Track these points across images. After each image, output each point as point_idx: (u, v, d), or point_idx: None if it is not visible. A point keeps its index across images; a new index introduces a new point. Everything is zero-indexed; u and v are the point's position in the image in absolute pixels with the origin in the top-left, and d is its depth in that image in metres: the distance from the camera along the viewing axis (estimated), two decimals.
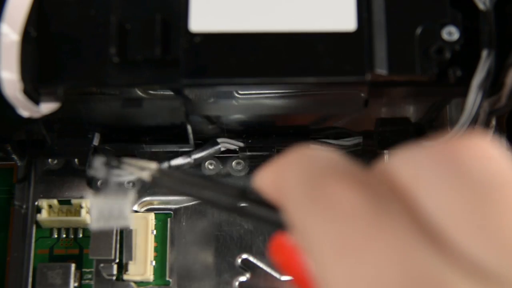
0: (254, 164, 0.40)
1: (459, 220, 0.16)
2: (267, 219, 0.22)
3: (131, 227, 0.25)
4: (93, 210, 0.24)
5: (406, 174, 0.18)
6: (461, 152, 0.17)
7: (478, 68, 0.29)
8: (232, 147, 0.36)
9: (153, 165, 0.25)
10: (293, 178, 0.19)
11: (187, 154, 0.34)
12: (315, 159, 0.19)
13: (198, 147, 0.37)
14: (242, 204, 0.22)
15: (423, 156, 0.18)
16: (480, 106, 0.31)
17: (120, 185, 0.25)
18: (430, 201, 0.17)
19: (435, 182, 0.17)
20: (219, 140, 0.36)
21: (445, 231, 0.16)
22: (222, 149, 0.36)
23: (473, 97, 0.30)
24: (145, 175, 0.24)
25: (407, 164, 0.18)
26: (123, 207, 0.24)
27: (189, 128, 0.35)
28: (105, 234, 0.38)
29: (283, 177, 0.20)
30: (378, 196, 0.17)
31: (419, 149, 0.18)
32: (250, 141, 0.35)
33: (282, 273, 0.20)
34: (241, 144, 0.35)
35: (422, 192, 0.17)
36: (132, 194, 0.24)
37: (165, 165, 0.32)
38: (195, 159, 0.34)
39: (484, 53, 0.29)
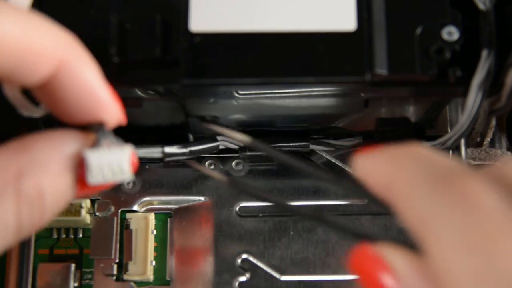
0: (254, 164, 0.40)
1: None
2: (351, 230, 0.22)
3: (130, 179, 0.24)
4: (91, 164, 0.23)
5: None
6: None
7: (478, 68, 0.29)
8: (231, 145, 0.36)
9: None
10: (412, 170, 0.19)
11: (184, 144, 0.33)
12: (433, 158, 0.20)
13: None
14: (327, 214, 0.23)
15: None
16: (480, 106, 0.31)
17: (116, 138, 0.24)
18: None
19: None
20: (218, 137, 0.35)
21: None
22: (221, 147, 0.36)
23: (473, 97, 0.30)
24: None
25: None
26: (121, 161, 0.24)
27: (189, 128, 0.35)
28: (105, 234, 0.38)
29: (400, 173, 0.20)
30: (509, 201, 0.18)
31: None
32: (250, 140, 0.35)
33: (361, 286, 0.20)
34: (241, 144, 0.35)
35: None
36: (129, 148, 0.24)
37: (158, 150, 0.32)
38: (191, 151, 0.34)
39: (484, 53, 0.29)
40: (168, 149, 0.32)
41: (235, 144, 0.36)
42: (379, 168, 0.21)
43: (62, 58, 0.23)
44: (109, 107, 0.24)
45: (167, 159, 0.34)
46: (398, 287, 0.20)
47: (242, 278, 0.38)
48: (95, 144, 0.24)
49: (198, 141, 0.35)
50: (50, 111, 0.25)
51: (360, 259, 0.21)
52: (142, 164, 0.40)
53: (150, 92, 0.31)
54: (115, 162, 0.24)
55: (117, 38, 0.29)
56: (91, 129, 0.24)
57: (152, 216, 0.39)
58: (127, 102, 0.32)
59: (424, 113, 0.36)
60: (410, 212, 0.20)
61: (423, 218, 0.19)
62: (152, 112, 0.33)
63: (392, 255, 0.20)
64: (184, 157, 0.34)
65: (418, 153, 0.21)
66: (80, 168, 0.24)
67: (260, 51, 0.29)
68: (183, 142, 0.34)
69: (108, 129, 0.24)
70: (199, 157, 0.40)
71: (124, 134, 0.36)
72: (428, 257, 0.19)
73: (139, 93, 0.31)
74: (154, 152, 0.31)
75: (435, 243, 0.18)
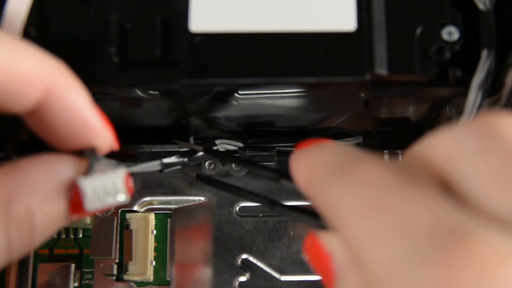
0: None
1: (488, 180, 0.18)
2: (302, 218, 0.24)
3: (127, 200, 0.24)
4: (86, 191, 0.24)
5: (441, 148, 0.19)
6: (498, 125, 0.18)
7: (478, 68, 0.29)
8: (231, 147, 0.36)
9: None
10: (322, 165, 0.21)
11: (183, 155, 0.34)
12: (341, 150, 0.21)
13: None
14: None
15: (460, 130, 0.19)
16: (480, 106, 0.31)
17: (108, 162, 0.24)
18: (463, 167, 0.18)
19: (472, 150, 0.18)
20: (217, 141, 0.35)
21: (474, 192, 0.18)
22: (221, 149, 0.36)
23: (473, 97, 0.30)
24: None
25: (443, 139, 0.19)
26: (116, 183, 0.24)
27: (189, 128, 0.35)
28: (105, 234, 0.38)
29: (314, 168, 0.22)
30: (405, 170, 0.19)
31: (455, 126, 0.19)
32: (250, 141, 0.35)
33: (314, 272, 0.22)
34: (240, 145, 0.35)
35: (457, 161, 0.19)
36: (123, 168, 0.24)
37: (156, 163, 0.32)
38: (191, 159, 0.34)
39: (484, 53, 0.29)
40: (167, 160, 0.32)
41: (234, 146, 0.36)
42: (302, 165, 0.23)
43: (49, 85, 0.23)
44: (100, 133, 0.24)
45: (167, 170, 0.34)
46: (338, 271, 0.21)
47: (242, 278, 0.38)
48: (88, 170, 0.24)
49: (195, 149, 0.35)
50: (41, 137, 0.25)
51: (308, 247, 0.22)
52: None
53: (150, 92, 0.31)
54: (110, 186, 0.24)
55: (117, 38, 0.29)
56: (83, 154, 0.24)
57: (152, 216, 0.39)
58: (127, 102, 0.32)
59: (425, 113, 0.36)
60: (322, 204, 0.21)
61: (330, 205, 0.20)
62: (152, 112, 0.33)
63: (330, 242, 0.21)
64: (184, 165, 0.34)
65: (329, 149, 0.22)
66: (73, 193, 0.24)
67: (260, 51, 0.29)
68: (181, 152, 0.34)
69: (100, 154, 0.25)
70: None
71: (125, 134, 0.36)
72: (341, 237, 0.20)
73: (139, 93, 0.31)
74: (153, 165, 0.31)
75: (342, 222, 0.19)
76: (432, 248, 0.17)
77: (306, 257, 0.23)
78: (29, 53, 0.23)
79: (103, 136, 0.25)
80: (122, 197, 0.24)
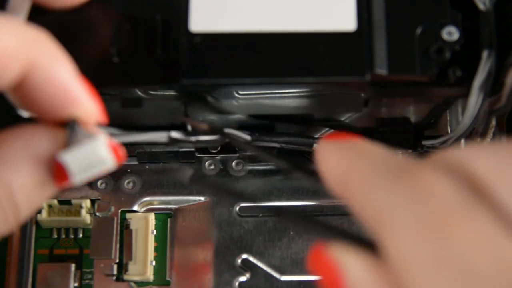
0: (254, 164, 0.40)
1: None
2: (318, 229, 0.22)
3: (114, 165, 0.24)
4: (69, 165, 0.23)
5: (485, 169, 0.18)
6: None
7: (479, 69, 0.29)
8: (239, 137, 0.35)
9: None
10: (367, 164, 0.20)
11: (192, 134, 0.33)
12: (385, 154, 0.20)
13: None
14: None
15: (502, 153, 0.18)
16: (481, 107, 0.31)
17: (89, 132, 0.24)
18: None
19: None
20: (226, 130, 0.34)
21: None
22: (229, 139, 0.35)
23: (475, 99, 0.30)
24: None
25: (485, 158, 0.18)
26: (97, 151, 0.23)
27: (189, 128, 0.35)
28: (105, 234, 0.38)
29: (354, 167, 0.20)
30: (465, 190, 0.18)
31: (496, 146, 0.18)
32: (257, 134, 0.35)
33: (318, 285, 0.20)
34: (248, 137, 0.35)
35: (503, 187, 0.17)
36: (102, 136, 0.24)
37: (163, 135, 0.31)
38: (198, 140, 0.33)
39: (485, 54, 0.29)
40: (175, 134, 0.31)
41: (242, 139, 0.35)
42: (335, 159, 0.21)
43: (29, 58, 0.23)
44: (83, 103, 0.24)
45: (172, 146, 0.33)
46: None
47: (242, 278, 0.38)
48: (68, 142, 0.24)
49: (205, 133, 0.34)
50: (26, 110, 0.24)
51: (315, 260, 0.21)
52: (142, 164, 0.40)
53: (150, 92, 0.31)
54: (92, 155, 0.23)
55: (117, 38, 0.29)
56: (66, 126, 0.24)
57: (152, 216, 0.39)
58: (127, 102, 0.32)
59: (425, 116, 0.36)
60: (364, 207, 0.19)
61: (377, 212, 0.19)
62: (152, 112, 0.33)
63: (344, 256, 0.20)
64: (189, 145, 0.33)
65: (372, 149, 0.21)
66: (55, 166, 0.23)
67: (260, 51, 0.29)
68: (190, 131, 0.33)
69: (84, 125, 0.24)
70: (199, 158, 0.40)
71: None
72: (384, 254, 0.18)
73: (139, 93, 0.31)
74: (159, 136, 0.30)
75: (390, 235, 0.18)
76: None
77: (310, 270, 0.21)
78: (6, 26, 0.22)
79: (86, 107, 0.24)
80: (107, 164, 0.24)
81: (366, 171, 0.20)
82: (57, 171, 0.23)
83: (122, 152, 0.24)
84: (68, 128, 0.24)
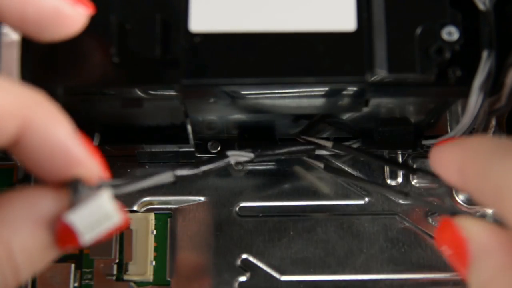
0: (254, 164, 0.40)
1: None
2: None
3: (120, 220, 0.24)
4: (76, 225, 0.23)
5: None
6: None
7: (479, 69, 0.29)
8: (243, 159, 0.35)
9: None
10: (478, 152, 0.22)
11: (195, 165, 0.33)
12: (497, 139, 0.23)
13: (206, 158, 0.35)
14: None
15: None
16: (481, 107, 0.31)
17: (91, 190, 0.24)
18: None
19: None
20: (228, 153, 0.34)
21: None
22: (232, 161, 0.34)
23: (475, 99, 0.30)
24: None
25: None
26: (102, 208, 0.23)
27: (189, 128, 0.35)
28: None
29: (470, 154, 0.23)
30: None
31: None
32: (259, 150, 0.35)
33: (444, 252, 0.24)
34: (251, 155, 0.35)
35: None
36: (105, 192, 0.24)
37: (169, 175, 0.31)
38: (204, 172, 0.33)
39: (485, 54, 0.29)
40: (180, 172, 0.31)
41: (246, 157, 0.35)
42: (450, 158, 0.24)
43: (25, 118, 0.22)
44: (85, 163, 0.24)
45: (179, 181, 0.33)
46: (478, 255, 0.21)
47: (242, 278, 0.38)
48: (72, 202, 0.23)
49: (209, 160, 0.34)
50: (29, 171, 0.24)
51: (442, 231, 0.23)
52: (143, 164, 0.40)
53: (150, 92, 0.31)
54: (98, 211, 0.23)
55: (117, 38, 0.29)
56: (69, 186, 0.24)
57: (152, 216, 0.39)
58: (127, 102, 0.32)
59: (425, 117, 0.36)
60: (483, 188, 0.22)
61: (497, 188, 0.21)
62: (152, 112, 0.33)
63: (469, 225, 0.22)
64: (197, 177, 0.33)
65: (480, 138, 0.23)
66: (61, 227, 0.23)
67: (260, 51, 0.29)
68: (194, 163, 0.33)
69: (88, 184, 0.24)
70: (199, 158, 0.40)
71: (124, 134, 0.36)
72: (507, 223, 0.21)
73: (139, 93, 0.31)
74: (165, 178, 0.30)
75: (507, 200, 0.20)
76: None
77: (438, 243, 0.24)
78: (1, 85, 0.22)
79: (88, 166, 0.24)
80: (114, 219, 0.23)
81: (480, 156, 0.22)
82: (64, 233, 0.23)
83: (125, 213, 0.24)
84: (71, 188, 0.23)
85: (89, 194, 0.23)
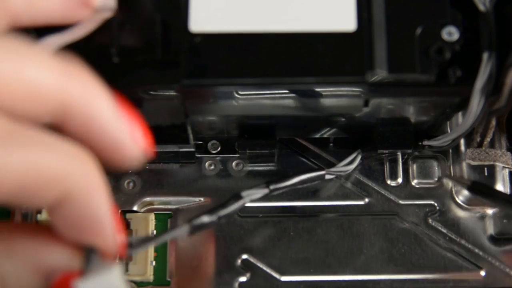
0: (254, 164, 0.40)
1: None
2: None
3: None
4: None
5: None
6: None
7: (480, 71, 0.29)
8: (258, 196, 0.34)
9: None
10: None
11: (212, 212, 0.32)
12: None
13: (221, 201, 0.34)
14: None
15: None
16: (482, 108, 0.31)
17: (104, 262, 0.23)
18: None
19: None
20: (243, 193, 0.33)
21: None
22: (247, 201, 0.34)
23: (477, 101, 0.30)
24: None
25: None
26: (112, 283, 0.23)
27: (189, 128, 0.35)
28: None
29: None
30: None
31: None
32: (272, 184, 0.34)
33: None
34: (266, 191, 0.34)
35: None
36: (117, 267, 0.24)
37: (185, 228, 0.30)
38: (220, 217, 0.32)
39: (485, 55, 0.29)
40: (198, 221, 0.30)
41: (260, 193, 0.34)
42: None
43: (67, 187, 0.22)
44: (107, 236, 0.23)
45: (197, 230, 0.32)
46: None
47: (242, 278, 0.38)
48: (84, 270, 0.23)
49: (223, 205, 0.33)
50: (54, 229, 0.24)
51: None
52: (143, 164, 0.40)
53: (150, 92, 0.31)
54: (107, 286, 0.23)
55: (117, 38, 0.29)
56: (84, 251, 0.23)
57: (152, 216, 0.39)
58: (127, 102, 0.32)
59: (425, 117, 0.36)
60: None
61: None
62: (152, 112, 0.33)
63: None
64: (214, 224, 0.33)
65: None
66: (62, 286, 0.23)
67: (260, 51, 0.29)
68: (209, 210, 0.32)
69: (102, 255, 0.23)
70: (199, 159, 0.40)
71: None
72: None
73: (139, 93, 0.31)
74: (182, 230, 0.29)
75: None
76: None
77: None
78: (48, 149, 0.21)
79: (109, 240, 0.23)
80: None
81: None
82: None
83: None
84: (85, 254, 0.23)
85: (101, 266, 0.23)
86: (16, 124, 0.21)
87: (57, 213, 0.22)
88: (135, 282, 0.38)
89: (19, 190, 0.21)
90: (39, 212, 0.38)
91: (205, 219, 0.31)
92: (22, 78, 0.21)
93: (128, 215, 0.39)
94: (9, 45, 0.21)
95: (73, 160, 0.22)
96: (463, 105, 0.32)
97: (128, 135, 0.23)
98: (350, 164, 0.38)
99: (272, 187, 0.34)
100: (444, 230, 0.39)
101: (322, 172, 0.36)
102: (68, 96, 0.22)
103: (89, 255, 0.23)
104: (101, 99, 0.23)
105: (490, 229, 0.39)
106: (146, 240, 0.26)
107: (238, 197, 0.33)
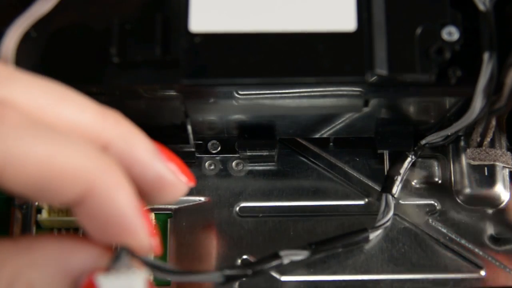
0: (254, 164, 0.40)
1: None
2: None
3: None
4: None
5: None
6: None
7: (481, 72, 0.29)
8: (298, 258, 0.33)
9: None
10: None
11: (248, 267, 0.31)
12: None
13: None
14: None
15: None
16: (483, 108, 0.31)
17: (131, 265, 0.23)
18: None
19: None
20: (281, 253, 0.33)
21: None
22: (286, 261, 0.33)
23: (479, 102, 0.30)
24: None
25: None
26: (135, 285, 0.23)
27: (189, 128, 0.35)
28: None
29: None
30: None
31: None
32: (313, 246, 0.34)
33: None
34: (307, 253, 0.33)
35: None
36: (143, 273, 0.23)
37: (218, 275, 0.29)
38: (255, 272, 0.31)
39: (486, 56, 0.29)
40: (230, 272, 0.30)
41: (301, 255, 0.33)
42: None
43: (90, 183, 0.22)
44: (139, 235, 0.23)
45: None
46: None
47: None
48: (110, 267, 0.23)
49: (261, 261, 0.32)
50: (81, 228, 0.24)
51: None
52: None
53: (150, 92, 0.31)
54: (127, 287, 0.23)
55: (117, 38, 0.29)
56: (116, 249, 0.23)
57: (152, 216, 0.39)
58: (127, 102, 0.32)
59: (425, 117, 0.36)
60: None
61: None
62: (152, 112, 0.33)
63: None
64: (249, 278, 0.33)
65: None
66: (88, 283, 0.23)
67: (260, 51, 0.29)
68: (246, 265, 0.32)
69: (136, 254, 0.23)
70: (199, 158, 0.40)
71: None
72: None
73: (139, 93, 0.31)
74: (214, 277, 0.29)
75: None
76: None
77: None
78: (70, 144, 0.22)
79: (141, 239, 0.23)
80: None
81: None
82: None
83: None
84: (116, 252, 0.23)
85: (128, 267, 0.23)
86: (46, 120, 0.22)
87: (81, 211, 0.23)
88: None
89: (39, 181, 0.21)
90: (39, 212, 0.38)
91: (240, 271, 0.30)
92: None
93: None
94: None
95: (96, 159, 0.22)
96: (465, 110, 0.32)
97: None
98: (387, 212, 0.37)
99: (313, 249, 0.33)
100: (444, 230, 0.39)
101: (366, 235, 0.36)
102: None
103: (119, 255, 0.23)
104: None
105: (490, 229, 0.39)
106: (177, 272, 0.26)
107: (276, 256, 0.32)
